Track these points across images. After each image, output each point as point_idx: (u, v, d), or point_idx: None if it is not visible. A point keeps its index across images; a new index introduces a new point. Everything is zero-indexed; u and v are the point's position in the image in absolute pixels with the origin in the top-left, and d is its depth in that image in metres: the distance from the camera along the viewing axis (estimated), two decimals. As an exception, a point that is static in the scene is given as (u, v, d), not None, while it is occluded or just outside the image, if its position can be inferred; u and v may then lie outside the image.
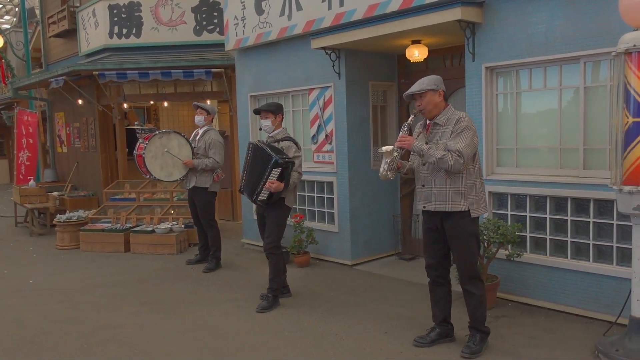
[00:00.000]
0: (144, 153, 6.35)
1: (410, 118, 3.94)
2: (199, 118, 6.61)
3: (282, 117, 5.36)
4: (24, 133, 11.67)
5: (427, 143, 3.88)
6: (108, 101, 10.08)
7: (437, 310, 4.14)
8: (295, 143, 5.20)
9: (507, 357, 3.89)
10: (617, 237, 4.34)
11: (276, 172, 4.88)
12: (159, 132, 6.51)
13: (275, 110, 5.26)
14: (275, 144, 5.11)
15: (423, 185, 3.95)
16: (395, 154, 3.90)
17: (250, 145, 5.16)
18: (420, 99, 3.89)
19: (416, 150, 3.82)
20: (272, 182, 4.88)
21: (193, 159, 6.46)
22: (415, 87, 3.90)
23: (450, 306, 4.14)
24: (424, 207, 3.95)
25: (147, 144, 6.36)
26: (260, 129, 5.42)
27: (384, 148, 3.93)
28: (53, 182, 12.20)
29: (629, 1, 3.52)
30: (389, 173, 3.91)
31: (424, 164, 3.91)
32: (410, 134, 3.99)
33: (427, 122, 3.99)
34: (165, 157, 6.43)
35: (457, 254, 3.90)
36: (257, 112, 5.35)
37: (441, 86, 3.89)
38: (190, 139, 6.65)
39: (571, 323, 4.45)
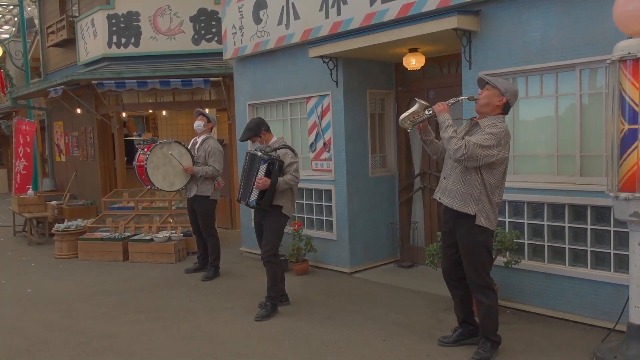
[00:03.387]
0: (145, 164, 6.35)
1: (463, 97, 3.90)
2: (198, 123, 6.63)
3: (268, 129, 5.31)
4: (22, 142, 11.68)
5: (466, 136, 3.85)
6: (107, 110, 10.10)
7: (457, 312, 4.21)
8: (292, 150, 5.22)
9: (506, 364, 3.90)
10: (614, 243, 4.35)
11: (263, 168, 4.92)
12: (160, 142, 6.53)
13: (257, 131, 5.24)
14: (273, 153, 5.13)
15: (444, 178, 3.97)
16: (426, 112, 3.90)
17: (247, 155, 5.19)
18: (485, 90, 3.81)
19: (439, 120, 3.80)
20: (260, 179, 4.90)
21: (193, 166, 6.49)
22: (493, 79, 3.80)
23: (470, 308, 4.16)
24: (439, 197, 3.96)
25: (148, 154, 6.37)
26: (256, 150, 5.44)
27: (421, 100, 3.97)
28: (52, 191, 12.19)
29: (623, 9, 3.56)
30: (407, 122, 3.96)
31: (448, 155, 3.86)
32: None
33: (475, 118, 3.91)
34: (167, 166, 6.44)
35: (466, 262, 3.92)
36: (243, 140, 5.37)
37: (509, 96, 3.74)
38: (189, 147, 6.66)
39: (569, 330, 4.46)
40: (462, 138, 3.71)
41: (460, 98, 3.91)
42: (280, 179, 4.99)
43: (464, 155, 3.61)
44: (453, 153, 3.66)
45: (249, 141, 7.56)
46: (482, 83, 3.88)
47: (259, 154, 4.96)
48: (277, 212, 5.13)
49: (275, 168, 4.96)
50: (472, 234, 3.82)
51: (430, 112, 3.89)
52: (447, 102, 3.90)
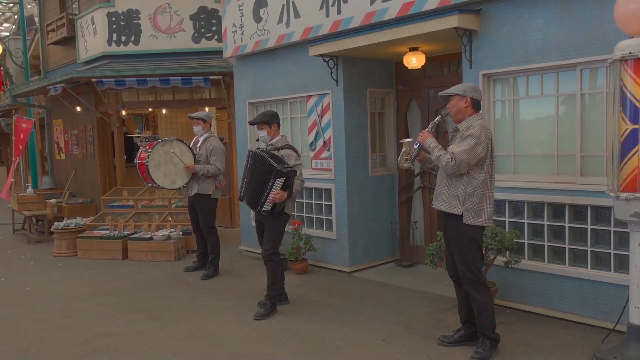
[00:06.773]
0: (147, 161, 6.33)
1: (437, 117, 4.08)
2: (197, 128, 6.65)
3: (279, 125, 5.32)
4: (20, 140, 11.67)
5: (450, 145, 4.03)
6: (106, 108, 10.09)
7: (460, 310, 4.24)
8: (295, 151, 5.20)
9: (505, 365, 3.89)
10: (614, 243, 4.34)
11: (280, 182, 4.86)
12: (162, 140, 6.51)
13: (269, 120, 5.22)
14: (275, 152, 5.10)
15: (436, 183, 4.14)
16: (415, 146, 4.10)
17: (250, 153, 5.13)
18: (449, 101, 4.01)
19: (426, 146, 4.01)
20: (277, 193, 4.86)
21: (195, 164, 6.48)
22: (449, 89, 4.04)
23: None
24: (432, 203, 4.15)
25: (150, 152, 6.36)
26: (258, 140, 5.42)
27: (406, 139, 4.23)
28: (51, 189, 12.18)
29: (624, 9, 3.54)
30: (405, 163, 4.16)
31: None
32: (437, 132, 4.12)
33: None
34: (169, 164, 6.42)
35: (456, 256, 4.00)
36: (252, 123, 5.35)
37: (470, 94, 3.93)
38: (191, 145, 6.65)
39: (569, 330, 4.45)
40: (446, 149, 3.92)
41: (436, 120, 4.10)
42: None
43: (455, 166, 3.80)
44: (445, 168, 3.86)
45: (247, 141, 7.66)
46: (445, 98, 4.08)
47: (277, 166, 4.81)
48: (280, 211, 5.11)
49: (291, 180, 4.93)
50: (460, 228, 3.92)
51: (418, 144, 4.08)
52: (427, 128, 4.10)
